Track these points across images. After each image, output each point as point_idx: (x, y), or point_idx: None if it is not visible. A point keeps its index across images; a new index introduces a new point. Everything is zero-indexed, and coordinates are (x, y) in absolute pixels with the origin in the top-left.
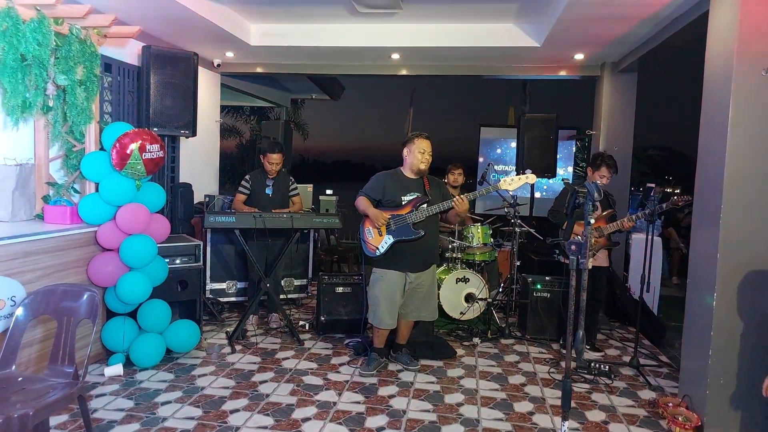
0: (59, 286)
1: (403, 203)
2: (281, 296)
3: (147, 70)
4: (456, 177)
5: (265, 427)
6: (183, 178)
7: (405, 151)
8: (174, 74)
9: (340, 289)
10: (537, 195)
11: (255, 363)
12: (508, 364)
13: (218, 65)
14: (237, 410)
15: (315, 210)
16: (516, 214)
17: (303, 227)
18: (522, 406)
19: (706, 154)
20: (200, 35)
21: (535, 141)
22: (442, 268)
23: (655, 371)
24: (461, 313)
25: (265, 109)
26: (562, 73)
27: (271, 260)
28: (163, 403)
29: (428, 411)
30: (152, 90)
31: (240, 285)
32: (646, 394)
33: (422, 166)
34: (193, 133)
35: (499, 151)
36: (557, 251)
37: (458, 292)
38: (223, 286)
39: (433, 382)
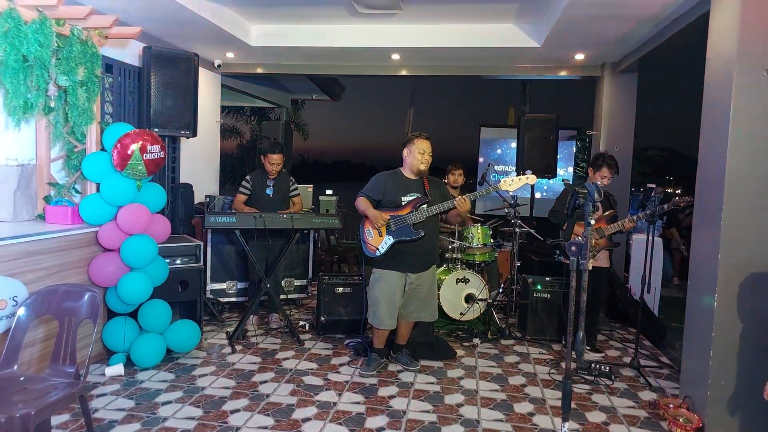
0: (61, 286)
1: (403, 204)
2: (281, 296)
3: (148, 70)
4: (456, 177)
5: (266, 428)
6: (183, 178)
7: (405, 151)
8: (175, 75)
9: (340, 290)
10: (537, 195)
11: (255, 363)
12: (508, 365)
13: (219, 66)
14: (237, 410)
15: (315, 210)
16: (516, 214)
17: (303, 227)
18: (522, 407)
19: (707, 155)
20: (201, 36)
21: (536, 141)
22: (442, 268)
23: (656, 372)
24: (461, 313)
25: (266, 110)
26: (563, 74)
27: (271, 260)
28: (164, 403)
29: (428, 411)
30: (153, 90)
31: (240, 285)
32: (647, 395)
33: (422, 167)
34: (194, 134)
35: (499, 151)
36: (558, 252)
37: (458, 293)
38: (224, 286)
39: (433, 383)
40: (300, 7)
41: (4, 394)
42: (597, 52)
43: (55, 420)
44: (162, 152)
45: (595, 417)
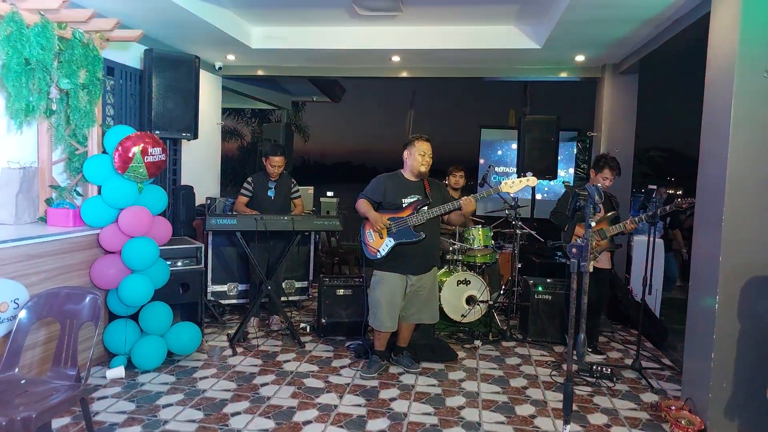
0: (62, 289)
1: (404, 206)
2: (282, 298)
3: (149, 73)
4: (457, 179)
5: (266, 430)
6: (185, 180)
7: (405, 153)
8: (176, 77)
9: (341, 292)
10: (538, 197)
11: (256, 365)
12: (509, 367)
13: (220, 68)
14: (238, 413)
15: (316, 212)
16: (517, 216)
17: (304, 229)
18: (523, 409)
19: (708, 157)
20: (202, 38)
21: (536, 143)
22: (443, 270)
23: (658, 374)
24: (462, 315)
25: (266, 112)
26: (563, 75)
27: (272, 262)
28: (165, 406)
29: (429, 414)
30: (154, 93)
31: (241, 287)
32: (649, 397)
33: (423, 169)
34: (195, 136)
35: (499, 152)
36: (559, 253)
37: (459, 295)
38: (225, 288)
39: (434, 385)
40: (300, 10)
41: (5, 397)
42: (597, 54)
43: (56, 423)
44: (163, 155)
45: (597, 419)
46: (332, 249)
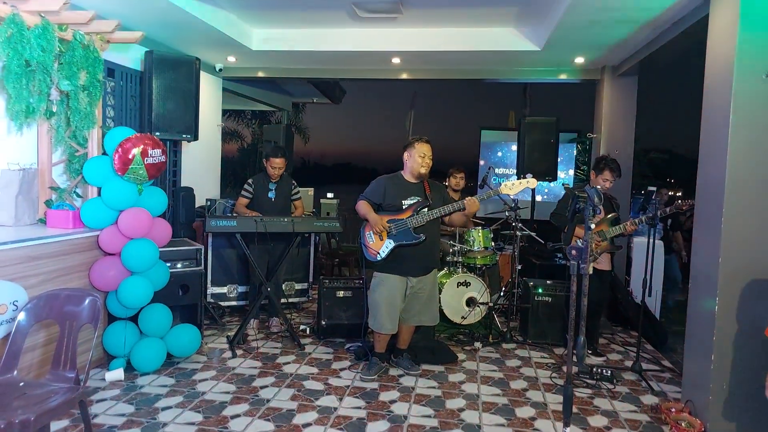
0: (62, 291)
1: (404, 207)
2: (282, 300)
3: (149, 74)
4: (458, 181)
5: None
6: (185, 182)
7: (405, 155)
8: (176, 79)
9: (341, 293)
10: (538, 198)
11: (256, 368)
12: (509, 369)
13: (220, 70)
14: (238, 415)
15: (316, 213)
16: (517, 217)
17: (304, 231)
18: (524, 412)
19: (707, 158)
20: (202, 40)
21: (536, 144)
22: (443, 272)
23: (658, 376)
24: (462, 317)
25: (267, 113)
26: (563, 77)
27: (272, 264)
28: (164, 409)
29: (429, 416)
30: (154, 94)
31: (241, 289)
32: (649, 399)
33: (423, 170)
34: (195, 138)
35: (499, 154)
36: (559, 255)
37: (459, 297)
38: (224, 290)
39: (434, 387)
40: (301, 12)
41: (3, 400)
42: (597, 56)
43: (55, 425)
44: (163, 156)
45: (597, 421)
46: (332, 250)
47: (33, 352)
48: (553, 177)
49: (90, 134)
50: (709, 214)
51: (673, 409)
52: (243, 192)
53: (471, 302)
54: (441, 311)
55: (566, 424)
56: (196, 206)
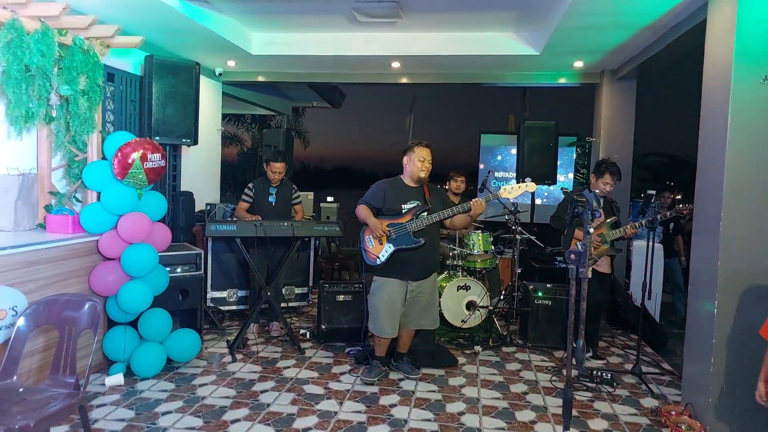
0: (61, 296)
1: (404, 211)
2: (282, 305)
3: (149, 79)
4: (459, 184)
5: None
6: (184, 186)
7: (405, 159)
8: (176, 83)
9: (341, 298)
10: (538, 202)
11: (256, 372)
12: (509, 373)
13: (220, 74)
14: (238, 420)
15: (316, 217)
16: (517, 221)
17: (303, 235)
18: (524, 415)
19: (706, 163)
20: (202, 45)
21: (535, 148)
22: (443, 275)
23: (658, 379)
24: (462, 321)
25: (267, 117)
26: (562, 81)
27: (272, 268)
28: (164, 413)
29: (429, 420)
30: (154, 99)
31: (241, 293)
32: (649, 402)
33: (422, 174)
34: (195, 142)
35: (499, 158)
36: (559, 258)
37: (459, 300)
38: (224, 294)
39: (434, 391)
40: (301, 16)
41: (3, 405)
42: (596, 60)
43: (55, 431)
44: (163, 161)
45: (597, 425)
46: (332, 254)
47: (32, 357)
48: (553, 181)
49: (89, 139)
50: (708, 216)
51: (673, 412)
52: (243, 196)
53: (471, 306)
54: (441, 315)
55: (566, 428)
56: (196, 211)
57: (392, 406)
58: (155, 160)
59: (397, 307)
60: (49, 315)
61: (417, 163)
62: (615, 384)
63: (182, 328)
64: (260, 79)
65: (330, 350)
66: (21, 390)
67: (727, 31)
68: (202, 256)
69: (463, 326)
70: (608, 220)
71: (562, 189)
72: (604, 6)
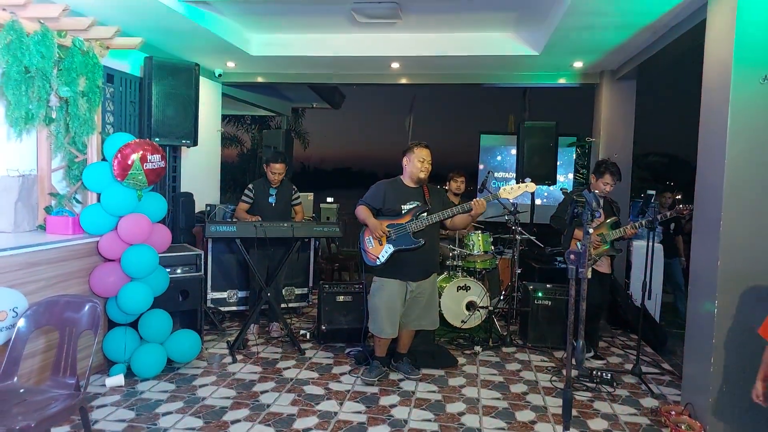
0: (62, 297)
1: (403, 212)
2: (282, 305)
3: (149, 80)
4: (459, 185)
5: None
6: (184, 187)
7: (405, 160)
8: (175, 84)
9: (341, 298)
10: (538, 202)
11: (256, 373)
12: (509, 373)
13: (219, 75)
14: (238, 420)
15: (316, 218)
16: (516, 221)
17: (303, 236)
18: (524, 415)
19: (705, 163)
20: (201, 46)
21: (535, 148)
22: (442, 276)
23: (658, 379)
24: (462, 321)
25: (266, 118)
26: (562, 81)
27: (272, 269)
28: (164, 414)
29: (430, 420)
30: (154, 100)
31: (241, 294)
32: (649, 402)
33: (422, 175)
34: (195, 143)
35: (499, 158)
36: (559, 258)
37: (459, 301)
38: (224, 295)
39: (434, 391)
40: (300, 17)
41: (3, 407)
42: (595, 60)
43: None
44: (162, 162)
45: (597, 425)
46: (332, 255)
47: (33, 358)
48: (553, 181)
49: (89, 140)
50: (708, 217)
51: (673, 412)
52: (243, 197)
53: (471, 306)
54: (441, 315)
55: (566, 428)
56: (196, 211)
57: (392, 406)
58: (155, 161)
59: (396, 308)
60: (50, 316)
61: (416, 164)
62: (615, 384)
63: (182, 329)
64: (260, 80)
65: (330, 351)
66: (22, 391)
67: (726, 31)
68: (202, 257)
69: (463, 326)
70: (608, 221)
71: (561, 189)
72: (604, 6)
